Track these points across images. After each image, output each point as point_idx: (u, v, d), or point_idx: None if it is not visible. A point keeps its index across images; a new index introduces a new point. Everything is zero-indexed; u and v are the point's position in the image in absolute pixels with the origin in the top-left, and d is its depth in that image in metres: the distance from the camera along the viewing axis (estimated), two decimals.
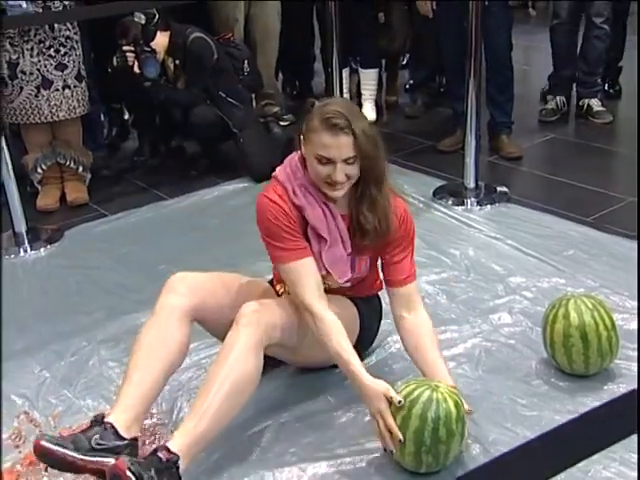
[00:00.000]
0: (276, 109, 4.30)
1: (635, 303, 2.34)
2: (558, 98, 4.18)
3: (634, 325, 2.24)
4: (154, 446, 1.78)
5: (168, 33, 3.47)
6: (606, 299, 2.32)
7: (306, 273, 1.86)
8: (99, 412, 1.85)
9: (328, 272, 1.91)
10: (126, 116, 4.22)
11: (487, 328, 2.31)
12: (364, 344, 2.11)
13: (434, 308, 2.42)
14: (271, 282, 2.16)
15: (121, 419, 1.75)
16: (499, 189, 3.29)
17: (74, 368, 2.24)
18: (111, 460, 1.65)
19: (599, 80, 4.17)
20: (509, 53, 3.66)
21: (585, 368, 2.02)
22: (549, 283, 2.53)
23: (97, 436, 1.72)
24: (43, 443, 1.66)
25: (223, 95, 3.55)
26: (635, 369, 2.05)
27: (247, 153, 3.56)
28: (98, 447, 1.70)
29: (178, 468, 1.66)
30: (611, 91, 4.39)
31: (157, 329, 1.87)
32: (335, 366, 1.95)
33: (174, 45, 3.48)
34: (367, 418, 1.88)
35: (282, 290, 2.08)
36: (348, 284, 1.99)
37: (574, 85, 4.21)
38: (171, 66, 3.54)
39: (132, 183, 3.71)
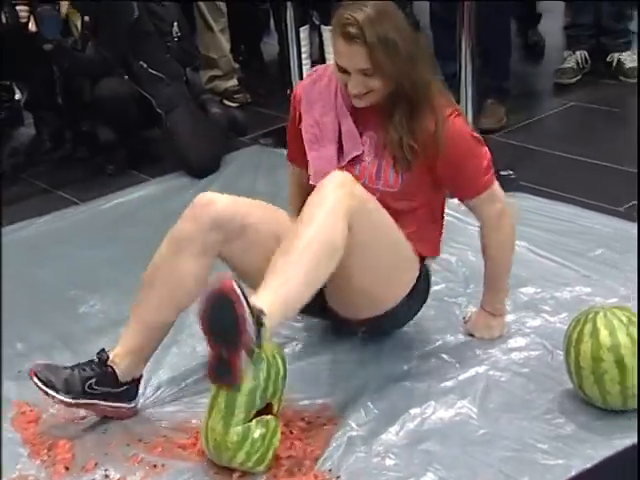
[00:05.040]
0: (229, 84, 4.29)
1: None
2: (578, 53, 4.22)
3: None
4: None
5: None
6: None
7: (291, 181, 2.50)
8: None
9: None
10: (17, 96, 4.18)
11: (494, 353, 2.32)
12: (408, 309, 2.33)
13: (423, 330, 2.43)
14: None
15: (124, 363, 2.14)
16: (502, 174, 3.27)
17: None
18: (104, 403, 2.11)
19: (630, 27, 4.20)
20: None
21: (622, 401, 2.03)
22: (572, 293, 2.55)
23: (93, 380, 2.10)
24: (35, 380, 2.04)
25: (144, 66, 3.55)
26: None
27: (178, 141, 3.56)
28: (90, 391, 2.09)
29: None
30: None
31: (170, 263, 2.12)
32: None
33: None
34: None
35: None
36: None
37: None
38: (78, 24, 3.54)
39: (29, 183, 3.68)
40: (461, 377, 2.24)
